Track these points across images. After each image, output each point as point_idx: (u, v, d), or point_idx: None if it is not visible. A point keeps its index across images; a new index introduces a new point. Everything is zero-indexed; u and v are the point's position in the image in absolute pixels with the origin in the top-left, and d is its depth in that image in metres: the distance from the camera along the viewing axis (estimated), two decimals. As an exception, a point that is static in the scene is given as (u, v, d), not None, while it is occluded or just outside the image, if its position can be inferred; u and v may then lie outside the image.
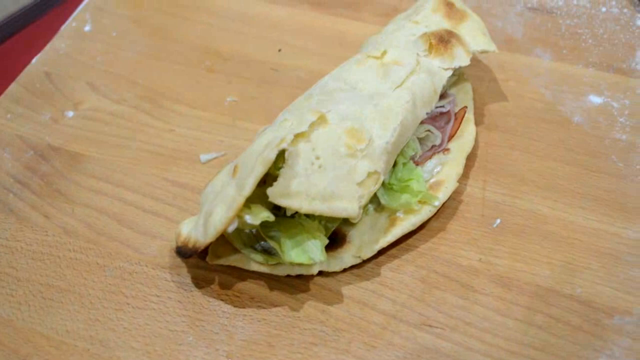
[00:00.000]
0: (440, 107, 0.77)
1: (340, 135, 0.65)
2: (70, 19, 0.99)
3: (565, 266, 0.68)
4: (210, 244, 0.67)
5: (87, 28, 0.97)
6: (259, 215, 0.61)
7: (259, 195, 0.63)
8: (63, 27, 0.98)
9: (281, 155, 0.63)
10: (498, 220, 0.71)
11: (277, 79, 0.88)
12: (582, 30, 0.88)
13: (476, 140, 0.76)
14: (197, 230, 0.65)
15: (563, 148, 0.77)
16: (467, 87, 0.80)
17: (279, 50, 0.91)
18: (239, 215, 0.62)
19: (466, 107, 0.77)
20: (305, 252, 0.64)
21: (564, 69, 0.85)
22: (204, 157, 0.80)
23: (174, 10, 0.98)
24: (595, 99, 0.81)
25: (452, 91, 0.80)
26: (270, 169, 0.63)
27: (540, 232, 0.70)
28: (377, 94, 0.69)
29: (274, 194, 0.60)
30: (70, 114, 0.86)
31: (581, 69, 0.84)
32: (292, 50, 0.91)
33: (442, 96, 0.78)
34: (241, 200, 0.60)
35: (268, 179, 0.64)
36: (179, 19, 0.96)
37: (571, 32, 0.89)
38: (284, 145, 0.61)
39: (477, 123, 0.79)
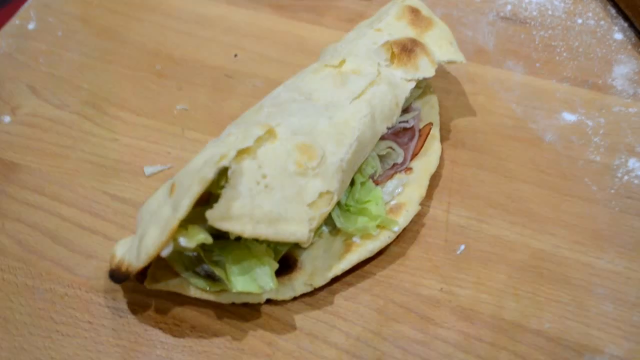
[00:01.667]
0: (404, 122, 0.72)
1: (289, 151, 0.59)
2: (14, 16, 0.92)
3: (533, 298, 0.63)
4: (148, 266, 0.62)
5: (31, 26, 0.90)
6: (195, 238, 0.56)
7: (200, 216, 0.57)
8: (6, 25, 0.90)
9: (224, 174, 0.57)
10: (462, 247, 0.66)
11: (232, 87, 0.82)
12: (557, 43, 0.84)
13: (441, 159, 0.72)
14: (131, 252, 0.59)
15: (534, 169, 0.72)
16: (433, 100, 0.75)
17: (235, 56, 0.85)
18: (173, 238, 0.56)
19: (432, 123, 0.72)
20: (254, 280, 0.59)
21: (537, 84, 0.80)
22: (148, 169, 0.74)
23: (125, 10, 0.91)
24: (569, 117, 0.76)
25: (417, 105, 0.74)
26: (212, 187, 0.57)
27: (507, 261, 0.65)
28: (332, 105, 0.63)
29: (214, 216, 0.54)
30: (7, 119, 0.80)
31: (555, 84, 0.80)
32: (249, 56, 0.85)
33: (406, 110, 0.73)
34: (175, 223, 0.54)
35: (211, 197, 0.58)
36: (130, 19, 0.90)
37: (545, 44, 0.84)
38: (224, 163, 0.55)
39: (443, 139, 0.74)
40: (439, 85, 0.79)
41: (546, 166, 0.73)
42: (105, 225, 0.70)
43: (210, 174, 0.54)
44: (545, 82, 0.80)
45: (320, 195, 0.59)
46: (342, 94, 0.65)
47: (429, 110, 0.74)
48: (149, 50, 0.87)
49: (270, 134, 0.60)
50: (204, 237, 0.56)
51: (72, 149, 0.77)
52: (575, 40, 0.85)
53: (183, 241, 0.56)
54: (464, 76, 0.81)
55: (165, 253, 0.57)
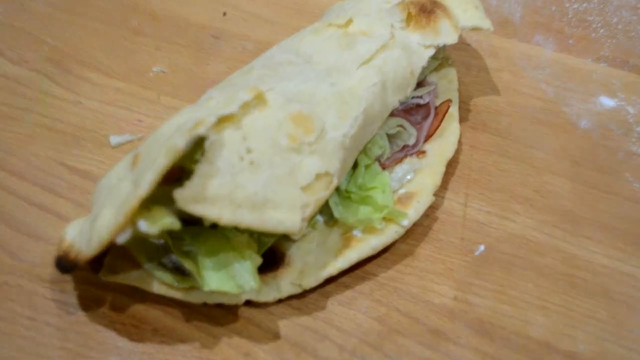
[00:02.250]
0: (418, 97, 0.62)
1: (282, 121, 0.48)
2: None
3: (565, 313, 0.53)
4: (105, 254, 0.51)
5: (-9, -30, 0.78)
6: (160, 222, 0.45)
7: (168, 196, 0.46)
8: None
9: (200, 145, 0.46)
10: (481, 247, 0.56)
11: (218, 49, 0.72)
12: (593, 18, 0.74)
13: (459, 142, 0.61)
14: (83, 236, 0.49)
15: (566, 159, 0.62)
16: (452, 74, 0.65)
17: (224, 14, 0.75)
18: (132, 222, 0.45)
19: (450, 100, 0.62)
20: (231, 277, 0.49)
21: (570, 62, 0.70)
22: (115, 139, 0.64)
23: (100, -44, 0.80)
24: (607, 101, 0.66)
25: (433, 79, 0.64)
26: (184, 161, 0.46)
27: (533, 266, 0.55)
28: (336, 70, 0.53)
29: (184, 197, 0.44)
30: (-46, 73, 0.69)
31: (590, 63, 0.70)
32: (239, 15, 0.75)
33: (420, 84, 0.63)
34: (134, 202, 0.43)
35: (184, 174, 0.48)
36: (105, -33, 0.78)
37: (579, 18, 0.74)
38: (200, 131, 0.44)
39: (462, 120, 0.64)
40: (457, 58, 0.69)
41: (580, 157, 0.62)
42: (59, 202, 0.59)
43: (181, 143, 0.43)
44: (580, 61, 0.71)
45: (317, 176, 0.49)
46: (347, 58, 0.54)
47: (447, 86, 0.64)
48: (124, 3, 0.77)
49: (259, 99, 0.49)
50: (170, 222, 0.45)
51: (27, 111, 0.66)
52: (614, 16, 0.74)
53: (144, 225, 0.45)
54: (486, 49, 0.71)
55: (122, 239, 0.46)
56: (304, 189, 0.48)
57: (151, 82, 0.69)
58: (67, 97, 0.67)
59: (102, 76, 0.69)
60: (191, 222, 0.48)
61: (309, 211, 0.48)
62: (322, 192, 0.49)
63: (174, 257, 0.51)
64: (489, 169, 0.61)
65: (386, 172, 0.57)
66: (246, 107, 0.49)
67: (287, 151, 0.48)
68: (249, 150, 0.47)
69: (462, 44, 0.71)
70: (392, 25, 0.57)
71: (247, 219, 0.46)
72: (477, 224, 0.58)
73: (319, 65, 0.54)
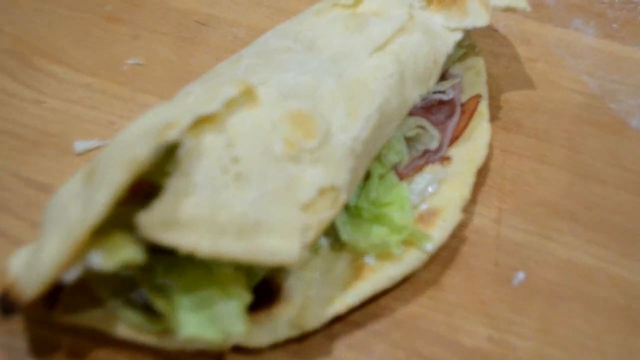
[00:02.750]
0: (440, 92, 0.52)
1: (277, 123, 0.39)
2: None
3: (626, 357, 0.42)
4: (58, 290, 0.41)
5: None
6: (117, 254, 0.35)
7: (132, 218, 0.36)
8: None
9: (173, 154, 0.36)
10: (520, 275, 0.47)
11: (204, 37, 0.63)
12: None
13: (490, 146, 0.52)
14: (28, 270, 0.39)
15: (616, 165, 0.53)
16: (479, 65, 0.56)
17: (211, -3, 0.65)
18: (81, 254, 0.35)
19: (479, 95, 0.52)
20: (214, 320, 0.39)
21: (615, 50, 0.61)
22: (80, 145, 0.55)
23: None
24: (662, 96, 0.56)
25: (457, 70, 0.54)
26: (154, 175, 0.37)
27: (583, 297, 0.46)
28: (343, 58, 0.44)
29: (151, 222, 0.34)
30: None
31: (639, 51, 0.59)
32: (230, -3, 0.65)
33: (442, 77, 0.53)
34: (81, 229, 0.33)
35: (155, 190, 0.38)
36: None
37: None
38: (171, 135, 0.34)
39: (491, 119, 0.54)
40: (483, 47, 0.60)
41: (634, 162, 0.53)
42: (10, 222, 0.50)
43: (143, 152, 0.33)
44: (626, 49, 0.61)
45: (321, 192, 0.40)
46: (357, 43, 0.45)
47: (474, 78, 0.55)
48: (97, -14, 0.66)
49: (248, 95, 0.40)
50: (131, 255, 0.35)
51: (-22, 112, 0.56)
52: (663, -3, 0.64)
53: (97, 259, 0.35)
54: (516, 36, 0.61)
55: (69, 277, 0.36)
56: (305, 207, 0.39)
57: (126, 76, 0.60)
58: (26, 95, 0.58)
59: (69, 70, 0.60)
60: (164, 251, 0.39)
61: (310, 235, 0.39)
62: (327, 212, 0.40)
63: (144, 293, 0.42)
64: (526, 178, 0.52)
65: (404, 184, 0.47)
66: (232, 104, 0.39)
67: (283, 160, 0.39)
68: (234, 160, 0.38)
69: (489, 30, 0.61)
70: (410, 5, 0.48)
71: (233, 248, 0.36)
72: (514, 245, 0.48)
73: (322, 52, 0.45)
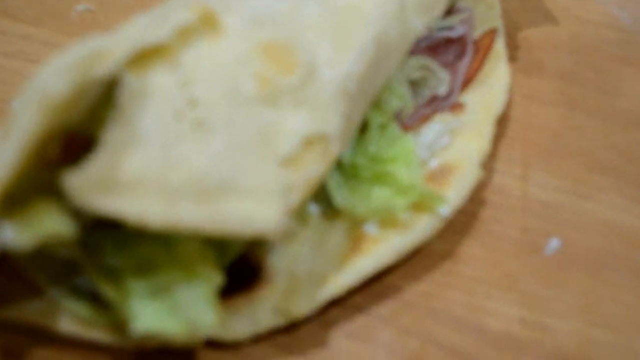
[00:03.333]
0: (447, 28, 0.43)
1: (246, 56, 0.30)
2: None
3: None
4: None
5: None
6: (37, 226, 0.27)
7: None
8: None
9: (110, 94, 0.28)
10: (553, 241, 0.39)
11: None
12: None
13: (510, 92, 0.43)
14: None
15: (660, 109, 0.44)
16: None
17: None
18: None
19: (495, 30, 0.44)
20: (175, 309, 0.31)
21: None
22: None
23: None
24: None
25: (467, 3, 0.45)
26: (88, 125, 0.28)
27: (631, 266, 0.38)
28: None
29: (82, 183, 0.26)
30: None
31: (677, -20, 0.51)
32: None
33: (449, 11, 0.45)
34: None
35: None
36: None
37: None
38: (103, 69, 0.26)
39: (509, 60, 0.46)
40: (496, -22, 0.51)
41: (679, 104, 0.44)
42: None
43: (57, 86, 0.25)
44: None
45: (306, 142, 0.32)
46: None
47: (486, 12, 0.46)
48: None
49: (208, 23, 0.31)
50: (56, 226, 0.27)
51: None
52: None
53: (8, 232, 0.27)
54: (533, -35, 0.52)
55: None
56: (286, 162, 0.31)
57: (74, 25, 0.52)
58: (-44, 51, 0.50)
59: (7, 20, 0.52)
60: (110, 225, 0.30)
61: (294, 198, 0.31)
62: (314, 167, 0.31)
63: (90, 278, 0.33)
64: (555, 127, 0.44)
65: (410, 136, 0.39)
66: (187, 34, 0.31)
67: (255, 102, 0.30)
68: (192, 103, 0.29)
69: (500, -41, 0.52)
70: None
71: (192, 216, 0.28)
72: (544, 207, 0.40)
73: (301, -27, 0.36)
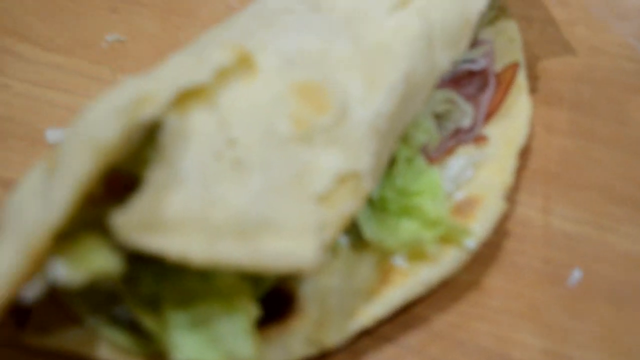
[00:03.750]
0: (469, 61, 0.44)
1: (281, 97, 0.32)
2: None
3: None
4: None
5: None
6: (87, 263, 0.28)
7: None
8: None
9: (152, 136, 0.29)
10: (576, 273, 0.40)
11: (193, 8, 0.56)
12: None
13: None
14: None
15: (678, 141, 0.45)
16: (512, 29, 0.48)
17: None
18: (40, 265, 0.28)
19: (517, 64, 0.45)
20: (215, 340, 0.32)
21: None
22: (52, 134, 0.48)
23: None
24: None
25: (488, 36, 0.46)
26: (130, 164, 0.29)
27: None
28: (358, 18, 0.37)
29: (128, 223, 0.27)
30: None
31: (692, 11, 0.52)
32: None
33: (471, 43, 0.46)
34: (39, 235, 0.27)
35: (135, 184, 0.31)
36: None
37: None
38: (148, 112, 0.27)
39: (529, 92, 0.46)
40: (514, 10, 0.51)
41: (696, 136, 0.45)
42: None
43: (109, 132, 0.26)
44: None
45: (340, 179, 0.33)
46: (372, 0, 0.37)
47: (507, 45, 0.47)
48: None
49: (244, 63, 0.32)
50: (104, 263, 0.28)
51: None
52: None
53: (61, 270, 0.28)
54: (552, -4, 0.54)
55: (31, 293, 0.29)
56: (320, 200, 0.32)
57: (104, 55, 0.53)
58: (-11, 79, 0.51)
59: (38, 50, 0.53)
60: (151, 258, 0.31)
61: (329, 234, 0.32)
62: (348, 204, 0.32)
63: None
64: (574, 159, 0.44)
65: (435, 169, 0.39)
66: (224, 75, 0.32)
67: (291, 142, 0.32)
68: (230, 144, 0.31)
69: (519, -9, 0.53)
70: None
71: (233, 253, 0.29)
72: (566, 238, 0.41)
73: (331, 13, 0.37)
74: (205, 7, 0.55)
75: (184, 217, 0.29)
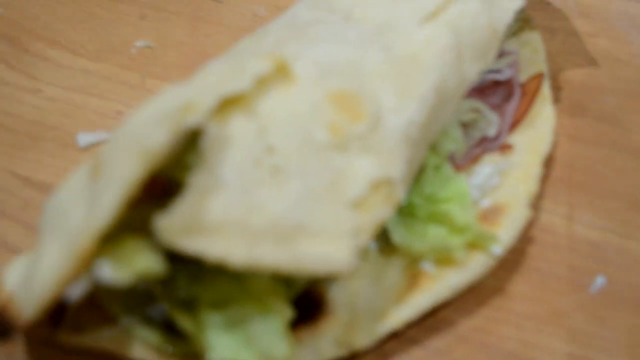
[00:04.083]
0: (494, 71, 0.45)
1: (317, 105, 0.32)
2: None
3: None
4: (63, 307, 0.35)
5: None
6: (132, 265, 0.29)
7: (148, 221, 0.30)
8: None
9: (194, 143, 0.30)
10: (599, 279, 0.40)
11: (220, 16, 0.56)
12: None
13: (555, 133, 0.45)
14: (25, 285, 0.32)
15: (701, 150, 0.45)
16: (536, 41, 0.49)
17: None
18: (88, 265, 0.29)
19: (541, 74, 0.46)
20: (250, 340, 0.33)
21: None
22: (84, 138, 0.49)
23: None
24: None
25: (513, 47, 0.47)
26: (171, 169, 0.30)
27: None
28: (388, 29, 0.38)
29: (171, 226, 0.28)
30: None
31: None
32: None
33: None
34: (87, 237, 0.27)
35: (174, 189, 0.32)
36: None
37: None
38: (193, 119, 0.28)
39: (553, 102, 0.47)
40: (537, 21, 0.52)
41: None
42: (6, 227, 0.44)
43: (158, 138, 0.27)
44: None
45: (374, 186, 0.33)
46: (403, 11, 0.39)
47: (531, 56, 0.48)
48: (99, -38, 0.60)
49: (282, 72, 0.33)
50: (148, 265, 0.29)
51: (-31, 103, 0.50)
52: None
53: (107, 271, 0.29)
54: (572, 9, 0.55)
55: (77, 292, 0.30)
56: (355, 205, 0.33)
57: (134, 61, 0.54)
58: (22, 84, 0.52)
59: (69, 55, 0.54)
60: (187, 259, 0.32)
61: (363, 238, 0.32)
62: (380, 209, 0.33)
63: (163, 309, 0.35)
64: (598, 168, 0.45)
65: (462, 176, 0.40)
66: (263, 83, 0.32)
67: (328, 149, 0.32)
68: (269, 151, 0.31)
69: (541, 3, 0.54)
70: (463, -33, 0.41)
71: (272, 256, 0.30)
72: (590, 245, 0.41)
73: (362, 23, 0.38)
74: (231, 14, 0.56)
75: (224, 221, 0.29)
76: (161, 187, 0.33)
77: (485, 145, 0.43)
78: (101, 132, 0.48)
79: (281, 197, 0.30)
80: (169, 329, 0.35)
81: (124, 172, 0.27)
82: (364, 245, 0.32)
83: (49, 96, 0.51)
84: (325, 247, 0.31)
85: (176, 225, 0.29)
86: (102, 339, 0.36)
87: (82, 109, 0.50)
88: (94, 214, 0.28)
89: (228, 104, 0.31)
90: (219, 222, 0.29)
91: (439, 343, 0.37)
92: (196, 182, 0.30)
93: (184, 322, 0.34)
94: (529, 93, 0.45)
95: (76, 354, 0.37)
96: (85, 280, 0.33)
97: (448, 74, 0.37)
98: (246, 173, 0.30)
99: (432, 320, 0.38)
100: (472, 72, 0.39)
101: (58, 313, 0.36)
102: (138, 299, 0.36)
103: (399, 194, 0.33)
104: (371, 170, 0.33)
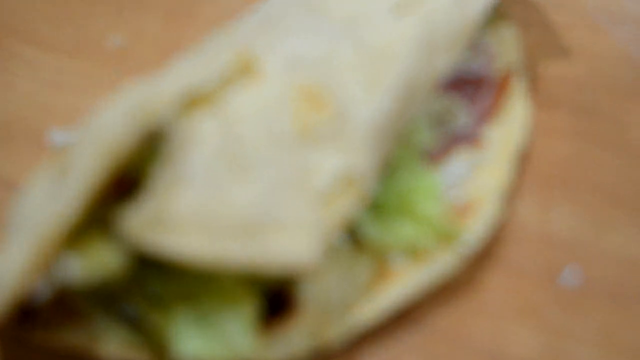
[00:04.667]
0: (467, 64, 0.45)
1: (285, 99, 0.32)
2: None
3: None
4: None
5: None
6: (98, 261, 0.29)
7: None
8: None
9: (158, 141, 0.30)
10: (575, 273, 0.40)
11: (199, 10, 0.55)
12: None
13: (528, 127, 0.45)
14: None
15: (677, 146, 0.45)
16: (510, 34, 0.49)
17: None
18: (51, 263, 0.28)
19: (514, 64, 0.46)
20: (217, 336, 0.33)
21: None
22: (57, 136, 0.48)
23: None
24: None
25: (486, 39, 0.47)
26: (137, 166, 0.30)
27: None
28: (360, 20, 0.37)
29: (136, 222, 0.28)
30: None
31: (689, 16, 0.53)
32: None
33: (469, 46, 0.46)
34: (51, 230, 0.28)
35: (139, 185, 0.32)
36: None
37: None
38: (157, 116, 0.28)
39: (528, 95, 0.46)
40: (512, 14, 0.52)
41: (694, 141, 0.46)
42: None
43: (120, 137, 0.26)
44: None
45: (341, 179, 0.33)
46: (374, 3, 0.39)
47: (505, 49, 0.48)
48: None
49: (249, 67, 0.33)
50: (114, 262, 0.29)
51: (-61, 100, 0.50)
52: None
53: (72, 269, 0.28)
54: (549, 1, 0.54)
55: (47, 290, 0.30)
56: (321, 198, 0.32)
57: (108, 56, 0.53)
58: (-6, 80, 0.51)
59: (42, 51, 0.53)
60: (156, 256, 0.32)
61: (329, 232, 0.32)
62: (348, 202, 0.33)
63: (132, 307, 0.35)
64: (574, 162, 0.45)
65: (431, 171, 0.40)
66: (229, 79, 0.32)
67: (294, 143, 0.32)
68: (236, 145, 0.31)
69: (516, -5, 0.54)
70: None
71: (236, 252, 0.29)
72: (565, 239, 0.41)
73: (333, 15, 0.38)
74: (210, 8, 0.55)
75: (187, 217, 0.29)
76: (129, 185, 0.32)
77: (457, 139, 0.42)
78: (74, 129, 0.48)
79: (246, 193, 0.30)
80: (140, 326, 0.35)
81: (87, 169, 0.27)
82: (331, 239, 0.32)
83: (21, 92, 0.50)
84: (289, 241, 0.30)
85: (139, 222, 0.28)
86: (72, 337, 0.35)
87: (55, 106, 0.49)
88: (57, 207, 0.27)
89: (194, 100, 0.31)
90: (182, 218, 0.29)
91: (411, 338, 0.37)
92: (160, 179, 0.29)
93: (153, 318, 0.33)
94: (502, 86, 0.44)
95: (47, 354, 0.37)
96: (55, 278, 0.33)
97: (417, 65, 0.36)
98: (212, 168, 0.30)
99: (404, 316, 0.38)
100: (444, 64, 0.39)
101: (28, 311, 0.36)
102: (108, 296, 0.35)
103: (367, 187, 0.33)
104: (338, 164, 0.32)
